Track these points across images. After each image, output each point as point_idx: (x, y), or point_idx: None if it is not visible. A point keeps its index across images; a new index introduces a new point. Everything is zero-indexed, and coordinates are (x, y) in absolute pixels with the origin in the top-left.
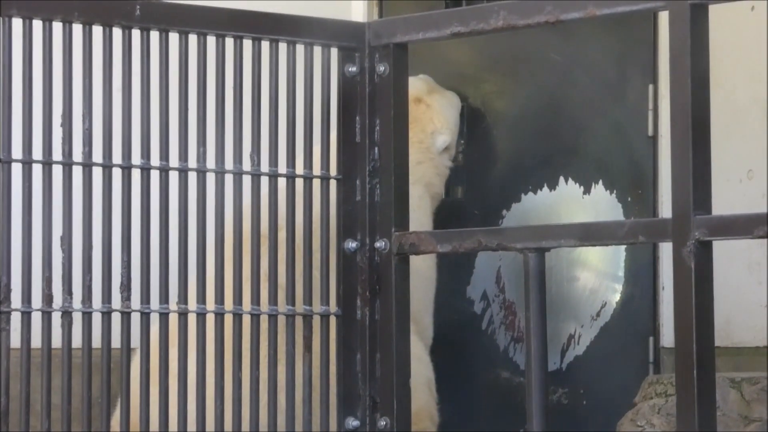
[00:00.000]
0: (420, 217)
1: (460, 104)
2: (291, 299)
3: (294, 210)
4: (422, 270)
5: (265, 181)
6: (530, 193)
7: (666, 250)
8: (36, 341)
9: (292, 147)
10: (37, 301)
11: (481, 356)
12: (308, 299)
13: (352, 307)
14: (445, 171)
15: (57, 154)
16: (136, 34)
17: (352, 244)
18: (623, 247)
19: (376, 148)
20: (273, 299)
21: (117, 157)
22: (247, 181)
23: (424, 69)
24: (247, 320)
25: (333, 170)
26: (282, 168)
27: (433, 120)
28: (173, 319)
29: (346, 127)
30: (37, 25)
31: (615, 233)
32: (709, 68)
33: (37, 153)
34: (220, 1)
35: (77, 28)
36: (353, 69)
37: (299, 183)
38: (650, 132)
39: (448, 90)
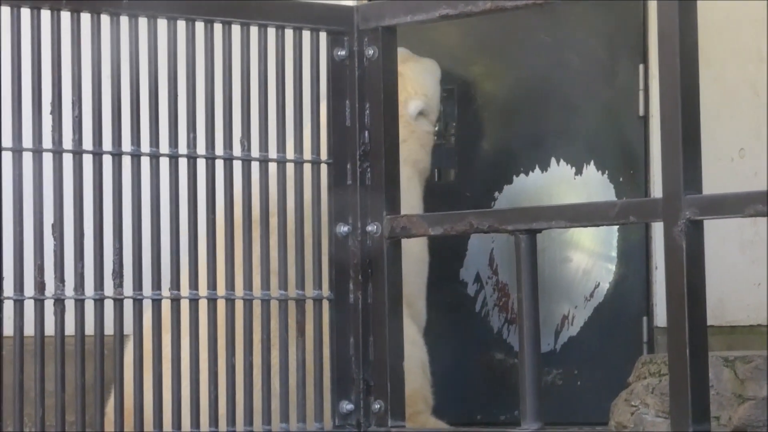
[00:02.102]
0: (410, 199)
1: (439, 71)
2: (283, 284)
3: (285, 195)
4: (415, 253)
5: (255, 166)
6: (522, 175)
7: (659, 229)
8: (29, 329)
9: (282, 132)
10: (29, 288)
11: (474, 338)
12: (300, 284)
13: (345, 291)
14: (428, 138)
15: (47, 142)
16: (124, 21)
17: (343, 228)
18: (616, 227)
19: (366, 132)
20: (265, 284)
21: (107, 144)
22: (237, 166)
23: (414, 52)
24: (239, 305)
25: (323, 154)
26: (272, 153)
27: (406, 87)
28: (166, 306)
29: (336, 111)
30: (26, 13)
31: (606, 214)
32: (698, 48)
33: (27, 141)
34: None
35: (65, 16)
36: (342, 53)
37: (290, 167)
38: (641, 112)
39: (425, 58)
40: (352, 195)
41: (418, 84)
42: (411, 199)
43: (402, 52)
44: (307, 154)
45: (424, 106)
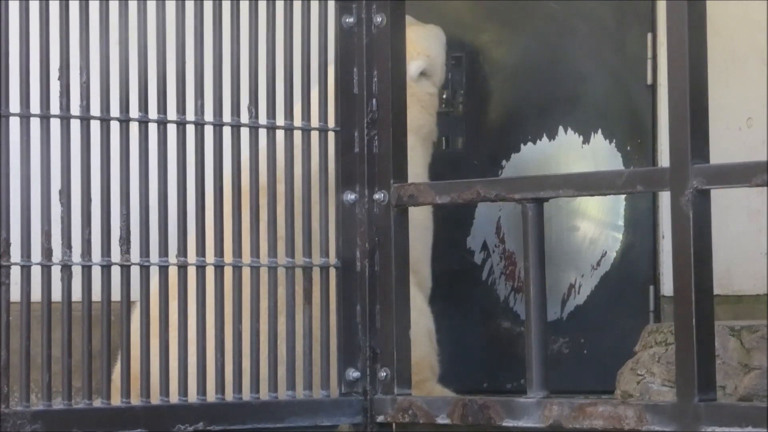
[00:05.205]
0: (414, 167)
1: (444, 36)
2: (290, 251)
3: (292, 162)
4: (420, 220)
5: (263, 134)
6: (530, 143)
7: (666, 198)
8: (36, 295)
9: (290, 99)
10: (36, 254)
11: (481, 306)
12: (308, 251)
13: (352, 259)
14: (430, 101)
15: (55, 108)
16: None
17: (350, 196)
18: (623, 196)
19: (374, 100)
20: (272, 252)
21: (115, 111)
22: (245, 133)
23: (422, 19)
24: (246, 273)
25: (331, 122)
26: (280, 120)
27: (407, 49)
28: (173, 272)
29: (344, 78)
30: None
31: (613, 183)
32: (706, 16)
33: (35, 107)
34: None
35: None
36: (350, 20)
37: (297, 135)
38: (649, 81)
39: (430, 24)
40: (359, 163)
41: (420, 45)
42: (415, 168)
43: (406, 19)
44: (315, 122)
45: (426, 66)
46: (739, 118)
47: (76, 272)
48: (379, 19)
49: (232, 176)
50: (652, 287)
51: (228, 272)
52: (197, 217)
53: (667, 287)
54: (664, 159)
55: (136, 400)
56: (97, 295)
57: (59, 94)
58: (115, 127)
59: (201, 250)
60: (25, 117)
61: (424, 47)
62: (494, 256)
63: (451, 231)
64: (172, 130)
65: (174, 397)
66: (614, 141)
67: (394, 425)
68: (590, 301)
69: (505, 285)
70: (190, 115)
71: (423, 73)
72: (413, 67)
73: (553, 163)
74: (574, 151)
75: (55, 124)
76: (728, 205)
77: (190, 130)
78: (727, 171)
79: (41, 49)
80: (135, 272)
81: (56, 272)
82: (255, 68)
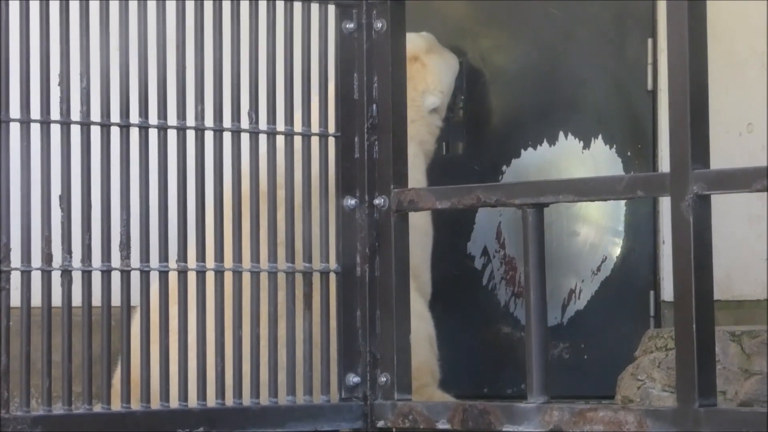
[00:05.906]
0: (415, 174)
1: (458, 67)
2: (291, 256)
3: (293, 167)
4: (420, 225)
5: (263, 139)
6: (530, 149)
7: (666, 204)
8: (36, 300)
9: (290, 105)
10: (36, 260)
11: (481, 312)
12: (308, 256)
13: (352, 264)
14: (436, 130)
15: (55, 114)
16: None
17: (351, 202)
18: (623, 201)
19: (374, 105)
20: (273, 257)
21: (115, 116)
22: (245, 139)
23: (423, 25)
24: (246, 278)
25: (331, 128)
26: (280, 125)
27: (425, 79)
28: (173, 277)
29: (344, 84)
30: None
31: (613, 188)
32: (706, 22)
33: (35, 112)
34: None
35: None
36: (351, 26)
37: (297, 140)
38: (649, 86)
39: (448, 51)
40: (359, 168)
41: (438, 79)
42: (416, 175)
43: (427, 40)
44: (315, 127)
45: (439, 104)
46: (739, 123)
47: (76, 277)
48: (379, 25)
49: (233, 181)
50: (652, 292)
51: (228, 277)
52: (197, 222)
53: (667, 292)
54: (664, 164)
55: (136, 405)
56: (97, 300)
57: (59, 99)
58: (115, 132)
59: (201, 256)
60: (25, 122)
61: (440, 81)
62: (494, 261)
63: (451, 236)
64: (172, 135)
65: (174, 402)
66: (614, 146)
67: (394, 430)
68: (590, 306)
69: (505, 290)
70: (190, 121)
71: (434, 110)
72: (428, 102)
73: (554, 169)
74: (575, 157)
75: (56, 130)
76: (728, 211)
77: (191, 135)
78: (728, 176)
79: (41, 54)
80: (135, 277)
81: (56, 277)
82: (255, 73)
